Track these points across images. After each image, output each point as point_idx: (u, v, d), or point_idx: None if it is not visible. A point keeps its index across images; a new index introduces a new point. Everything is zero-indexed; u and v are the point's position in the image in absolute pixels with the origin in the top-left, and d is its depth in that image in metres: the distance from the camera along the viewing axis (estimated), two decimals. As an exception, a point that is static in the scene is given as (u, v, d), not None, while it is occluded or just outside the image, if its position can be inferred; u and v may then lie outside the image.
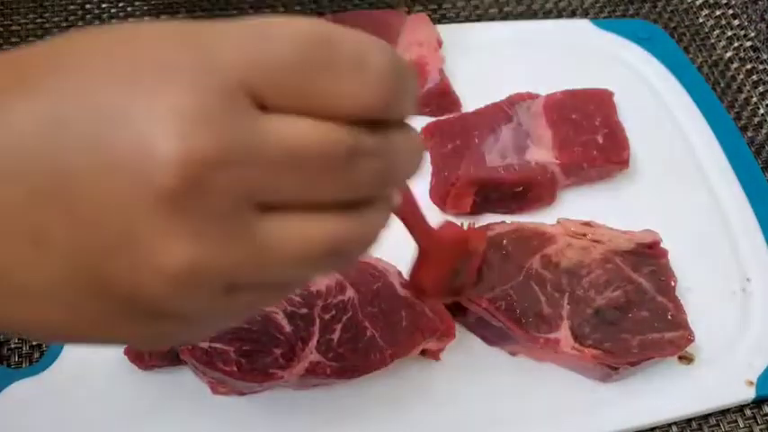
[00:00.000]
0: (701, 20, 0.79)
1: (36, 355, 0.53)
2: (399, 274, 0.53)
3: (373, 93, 0.24)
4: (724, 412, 0.55)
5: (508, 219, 0.59)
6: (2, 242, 0.22)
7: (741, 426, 0.55)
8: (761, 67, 0.76)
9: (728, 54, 0.77)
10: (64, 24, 0.70)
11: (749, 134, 0.71)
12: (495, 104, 0.64)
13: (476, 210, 0.60)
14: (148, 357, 0.50)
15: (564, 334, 0.51)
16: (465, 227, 0.48)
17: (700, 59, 0.76)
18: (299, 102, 0.23)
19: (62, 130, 0.21)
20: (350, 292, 0.50)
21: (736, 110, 0.73)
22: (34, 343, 0.53)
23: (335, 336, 0.48)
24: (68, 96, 0.22)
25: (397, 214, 0.33)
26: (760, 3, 0.79)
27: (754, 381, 0.55)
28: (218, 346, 0.47)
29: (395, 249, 0.57)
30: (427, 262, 0.42)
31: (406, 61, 0.25)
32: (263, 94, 0.23)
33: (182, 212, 0.21)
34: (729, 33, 0.78)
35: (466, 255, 0.47)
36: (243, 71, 0.22)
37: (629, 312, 0.53)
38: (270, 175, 0.22)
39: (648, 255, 0.56)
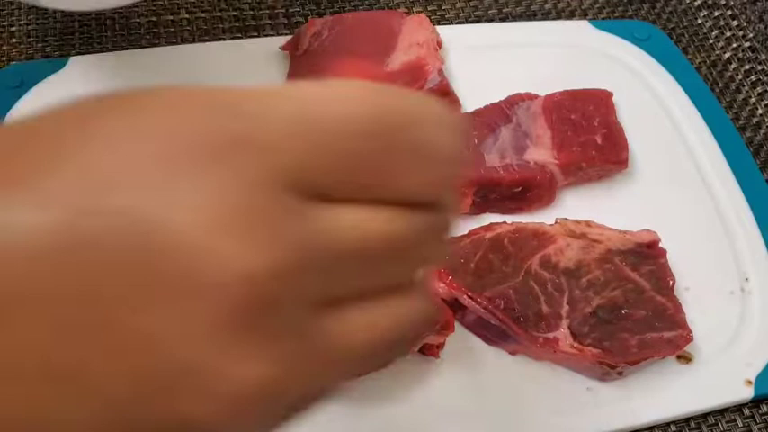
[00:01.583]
0: (699, 20, 0.79)
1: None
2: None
3: (436, 181, 0.22)
4: (722, 411, 0.55)
5: (508, 219, 0.59)
6: (29, 385, 0.18)
7: (740, 425, 0.55)
8: (759, 67, 0.76)
9: (727, 54, 0.77)
10: (65, 25, 0.70)
11: (747, 134, 0.71)
12: (494, 105, 0.64)
13: (475, 210, 0.60)
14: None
15: (563, 333, 0.51)
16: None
17: (698, 60, 0.76)
18: (357, 191, 0.21)
19: (83, 247, 0.17)
20: (350, 292, 0.50)
21: (734, 110, 0.73)
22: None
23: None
24: (85, 198, 0.18)
25: None
26: (759, 3, 0.80)
27: (753, 380, 0.55)
28: (218, 345, 0.47)
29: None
30: None
31: (459, 134, 0.24)
32: (319, 185, 0.20)
33: (248, 333, 0.18)
34: (728, 34, 0.79)
35: None
36: (297, 164, 0.19)
37: (628, 312, 0.53)
38: (338, 273, 0.21)
39: (647, 254, 0.56)
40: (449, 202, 0.24)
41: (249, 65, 0.67)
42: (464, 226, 0.58)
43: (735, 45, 0.78)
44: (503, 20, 0.76)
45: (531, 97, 0.64)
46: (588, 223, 0.57)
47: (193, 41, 0.70)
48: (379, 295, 0.22)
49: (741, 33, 0.79)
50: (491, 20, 0.76)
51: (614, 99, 0.65)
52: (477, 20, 0.76)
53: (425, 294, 0.25)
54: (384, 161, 0.21)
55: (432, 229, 0.23)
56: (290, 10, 0.74)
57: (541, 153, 0.60)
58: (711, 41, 0.78)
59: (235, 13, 0.73)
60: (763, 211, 0.64)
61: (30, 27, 0.69)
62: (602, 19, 0.78)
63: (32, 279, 0.17)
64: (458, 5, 0.77)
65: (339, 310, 0.21)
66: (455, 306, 0.53)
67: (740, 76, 0.75)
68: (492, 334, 0.54)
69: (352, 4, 0.76)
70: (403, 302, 0.23)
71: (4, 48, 0.67)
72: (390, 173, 0.21)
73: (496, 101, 0.64)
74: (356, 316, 0.21)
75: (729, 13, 0.80)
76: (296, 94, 0.21)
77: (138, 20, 0.71)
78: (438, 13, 0.76)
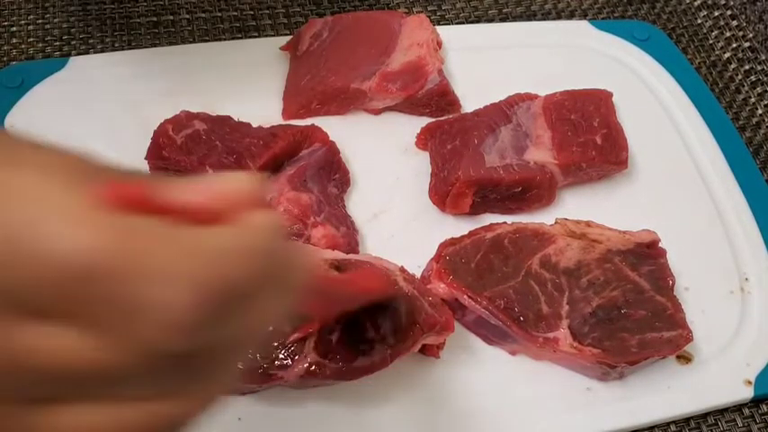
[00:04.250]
0: (699, 21, 0.80)
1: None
2: (402, 270, 0.53)
3: (137, 338, 0.21)
4: (722, 411, 0.56)
5: (508, 219, 0.59)
6: None
7: (739, 425, 0.55)
8: (759, 67, 0.76)
9: (727, 55, 0.77)
10: (64, 25, 0.70)
11: (747, 134, 0.71)
12: (494, 105, 0.64)
13: (475, 210, 0.60)
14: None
15: (563, 333, 0.52)
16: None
17: (698, 60, 0.76)
18: (65, 316, 0.21)
19: None
20: (350, 292, 0.50)
21: (734, 110, 0.73)
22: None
23: (335, 336, 0.48)
24: None
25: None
26: (758, 3, 0.80)
27: (753, 380, 0.55)
28: (218, 345, 0.47)
29: (396, 247, 0.57)
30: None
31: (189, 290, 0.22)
32: (22, 305, 0.21)
33: None
34: (728, 34, 0.79)
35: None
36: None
37: (628, 312, 0.53)
38: (29, 382, 0.21)
39: (647, 254, 0.56)
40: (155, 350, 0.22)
41: (249, 65, 0.67)
42: (464, 226, 0.58)
43: (735, 45, 0.78)
44: (503, 20, 0.77)
45: (531, 97, 0.64)
46: (588, 223, 0.57)
47: (193, 41, 0.70)
48: (111, 397, 0.22)
49: (741, 33, 0.79)
50: (491, 20, 0.76)
51: (614, 99, 0.65)
52: (477, 20, 0.76)
53: (198, 401, 0.24)
54: (82, 307, 0.21)
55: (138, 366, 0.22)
56: (290, 10, 0.74)
57: (541, 153, 0.60)
58: (711, 41, 0.78)
59: (235, 13, 0.73)
60: (763, 211, 0.64)
61: (30, 27, 0.69)
62: (602, 19, 0.78)
63: None
64: (458, 5, 0.77)
65: (61, 408, 0.22)
66: (455, 306, 0.53)
67: (740, 76, 0.76)
68: (492, 334, 0.54)
69: (352, 4, 0.76)
70: (148, 408, 0.23)
71: (5, 48, 0.68)
72: (91, 317, 0.21)
73: (496, 101, 0.64)
74: (71, 416, 0.22)
75: (729, 13, 0.80)
76: (12, 220, 0.20)
77: (138, 20, 0.71)
78: (438, 13, 0.76)
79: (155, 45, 0.69)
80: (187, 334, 0.21)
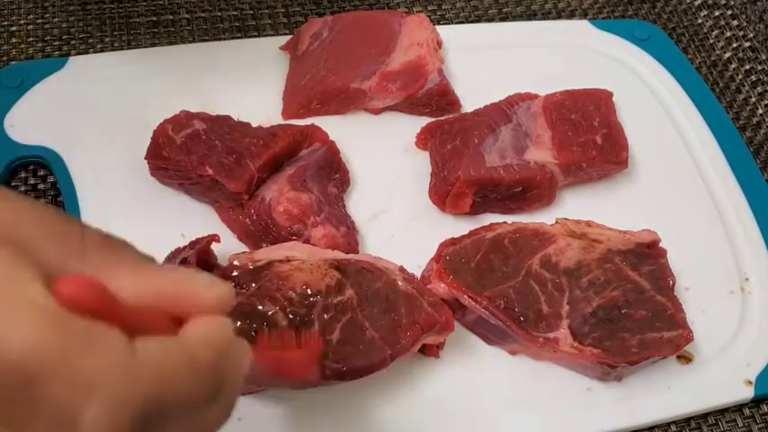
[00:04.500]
0: (699, 20, 0.80)
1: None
2: (401, 269, 0.53)
3: None
4: (723, 411, 0.56)
5: (508, 219, 0.59)
6: None
7: (740, 425, 0.55)
8: (759, 67, 0.76)
9: (727, 54, 0.77)
10: (64, 25, 0.70)
11: (748, 134, 0.71)
12: (494, 105, 0.64)
13: (475, 210, 0.60)
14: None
15: (563, 333, 0.51)
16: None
17: (698, 60, 0.76)
18: None
19: None
20: (349, 292, 0.50)
21: (734, 110, 0.73)
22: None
23: (335, 337, 0.48)
24: None
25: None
26: (759, 3, 0.79)
27: (753, 380, 0.55)
28: (218, 345, 0.47)
29: (396, 247, 0.57)
30: None
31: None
32: None
33: None
34: (728, 34, 0.79)
35: None
36: None
37: (629, 312, 0.53)
38: None
39: (647, 254, 0.56)
40: None
41: (249, 65, 0.67)
42: (464, 226, 0.58)
43: (735, 45, 0.78)
44: (503, 20, 0.76)
45: (531, 97, 0.64)
46: (588, 223, 0.57)
47: (193, 41, 0.70)
48: None
49: (741, 33, 0.79)
50: (491, 20, 0.76)
51: (614, 99, 0.65)
52: (477, 20, 0.76)
53: None
54: (22, 411, 0.20)
55: None
56: (290, 10, 0.74)
57: (541, 153, 0.60)
58: (712, 41, 0.78)
59: (235, 13, 0.73)
60: (763, 211, 0.64)
61: (30, 27, 0.69)
62: (603, 19, 0.78)
63: None
64: (458, 5, 0.77)
65: None
66: (455, 306, 0.53)
67: (740, 76, 0.75)
68: (492, 334, 0.54)
69: (352, 3, 0.76)
70: None
71: (4, 48, 0.67)
72: (16, 420, 0.21)
73: (496, 101, 0.64)
74: None
75: (729, 12, 0.80)
76: None
77: (137, 19, 0.71)
78: (438, 13, 0.76)
79: (154, 45, 0.69)
80: None
